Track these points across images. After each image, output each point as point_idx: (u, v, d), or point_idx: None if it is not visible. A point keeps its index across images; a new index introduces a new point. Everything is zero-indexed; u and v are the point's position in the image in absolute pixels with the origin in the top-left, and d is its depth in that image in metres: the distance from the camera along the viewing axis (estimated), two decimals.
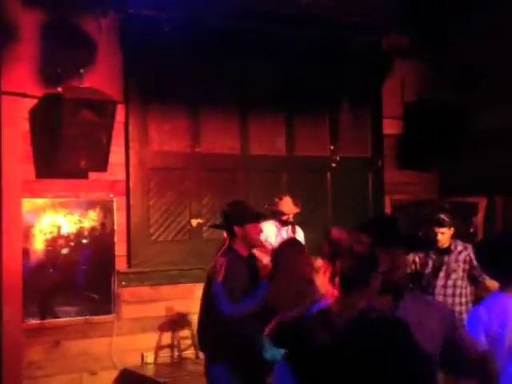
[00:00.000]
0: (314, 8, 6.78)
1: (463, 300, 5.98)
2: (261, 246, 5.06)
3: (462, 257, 6.02)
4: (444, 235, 6.04)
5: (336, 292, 2.40)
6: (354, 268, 2.39)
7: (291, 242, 5.26)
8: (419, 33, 7.72)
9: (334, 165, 7.64)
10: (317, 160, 7.57)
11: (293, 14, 6.86)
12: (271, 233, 6.55)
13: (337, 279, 2.41)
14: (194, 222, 6.90)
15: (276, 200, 6.55)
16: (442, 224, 6.01)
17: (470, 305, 5.92)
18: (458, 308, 5.83)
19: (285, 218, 6.45)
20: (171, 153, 6.80)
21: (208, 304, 4.60)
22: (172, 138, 6.77)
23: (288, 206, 6.48)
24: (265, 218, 6.21)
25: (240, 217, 4.62)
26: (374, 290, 2.43)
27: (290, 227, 6.52)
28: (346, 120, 7.73)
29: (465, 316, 5.29)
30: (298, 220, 6.65)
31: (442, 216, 6.08)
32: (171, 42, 6.43)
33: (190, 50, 6.63)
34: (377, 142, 7.93)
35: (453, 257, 6.04)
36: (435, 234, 5.99)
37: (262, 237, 6.50)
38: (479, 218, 7.88)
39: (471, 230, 7.78)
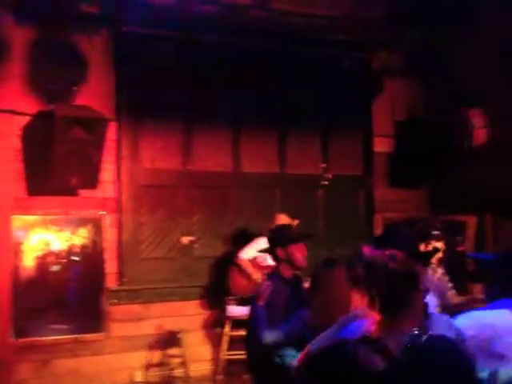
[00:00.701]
0: (307, 26, 6.83)
1: None
2: (304, 266, 4.87)
3: None
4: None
5: (377, 316, 2.26)
6: (393, 289, 2.26)
7: (330, 262, 5.09)
8: (410, 51, 7.78)
9: (325, 182, 7.67)
10: (308, 178, 7.58)
11: (287, 33, 6.90)
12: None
13: (376, 303, 2.28)
14: (185, 240, 6.89)
15: (274, 217, 6.57)
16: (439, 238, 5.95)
17: None
18: None
19: None
20: (163, 170, 6.80)
21: (249, 328, 4.53)
22: (164, 155, 6.78)
23: (280, 220, 6.49)
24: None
25: (282, 239, 4.57)
26: (418, 309, 2.30)
27: None
28: (337, 138, 7.75)
29: None
30: None
31: (437, 232, 6.05)
32: (164, 61, 6.46)
33: (183, 68, 6.67)
34: (368, 160, 7.95)
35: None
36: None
37: (254, 253, 6.55)
38: (469, 235, 7.90)
39: (459, 249, 7.80)
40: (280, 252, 4.49)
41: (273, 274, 4.55)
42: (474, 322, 3.15)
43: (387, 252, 2.35)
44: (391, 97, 7.92)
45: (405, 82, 7.96)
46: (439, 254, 5.79)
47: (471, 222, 7.89)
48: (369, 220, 7.92)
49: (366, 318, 2.33)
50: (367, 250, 2.41)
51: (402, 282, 2.27)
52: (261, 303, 4.34)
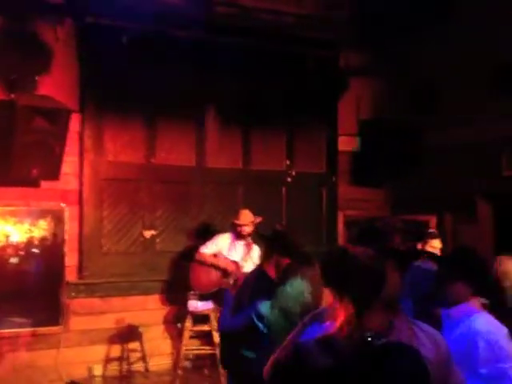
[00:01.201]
0: (274, 23, 6.84)
1: None
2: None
3: None
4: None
5: (342, 314, 2.22)
6: (364, 285, 2.22)
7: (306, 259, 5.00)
8: (375, 51, 7.86)
9: (289, 179, 7.70)
10: (272, 174, 7.61)
11: (253, 28, 6.91)
12: (225, 245, 6.56)
13: (343, 301, 2.23)
14: (148, 234, 6.85)
15: (236, 213, 6.58)
16: (436, 236, 5.81)
17: None
18: None
19: (238, 229, 6.47)
20: (126, 164, 6.75)
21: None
22: (127, 148, 6.73)
23: (242, 217, 6.51)
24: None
25: (284, 249, 4.43)
26: (382, 308, 2.25)
27: (246, 243, 6.52)
28: (301, 135, 7.79)
29: None
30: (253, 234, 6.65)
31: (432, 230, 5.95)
32: (129, 53, 6.40)
33: (148, 61, 6.62)
34: (332, 158, 8.01)
35: None
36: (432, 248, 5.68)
37: (216, 249, 6.55)
38: None
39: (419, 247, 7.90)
40: (276, 257, 4.37)
41: (257, 268, 4.50)
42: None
43: (358, 249, 2.32)
44: (356, 96, 7.99)
45: (370, 81, 8.04)
46: (437, 252, 5.76)
47: (431, 221, 8.00)
48: (331, 217, 7.97)
49: (329, 317, 2.30)
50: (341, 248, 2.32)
51: (368, 281, 2.23)
52: (232, 292, 4.35)
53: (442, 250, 5.79)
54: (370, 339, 2.16)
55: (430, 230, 5.90)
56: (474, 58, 7.13)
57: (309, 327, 2.47)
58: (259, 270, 4.35)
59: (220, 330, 4.36)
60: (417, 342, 2.33)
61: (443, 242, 7.64)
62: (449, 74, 7.49)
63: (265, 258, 4.43)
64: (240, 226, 6.46)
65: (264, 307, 3.95)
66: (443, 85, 7.59)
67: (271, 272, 4.27)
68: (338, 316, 2.23)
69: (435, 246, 5.73)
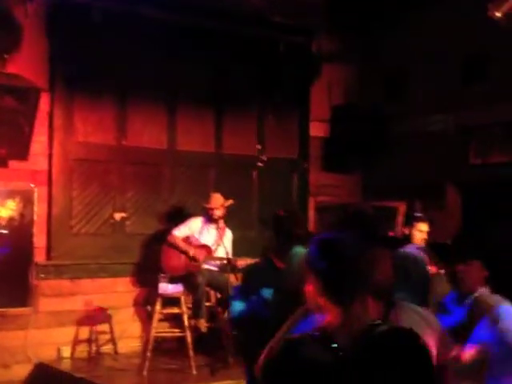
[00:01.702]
0: (246, 6, 6.83)
1: None
2: None
3: None
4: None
5: (330, 305, 2.11)
6: (346, 276, 2.09)
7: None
8: (347, 37, 7.89)
9: (260, 164, 7.71)
10: (244, 158, 7.61)
11: (224, 11, 6.88)
12: (197, 229, 6.56)
13: (328, 290, 2.11)
14: (118, 216, 6.81)
15: (208, 196, 6.56)
16: (423, 219, 5.64)
17: None
18: None
19: (210, 212, 6.46)
20: (96, 144, 6.70)
21: None
22: (98, 129, 6.67)
23: (214, 201, 6.50)
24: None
25: (291, 235, 4.29)
26: (374, 298, 2.16)
27: (219, 227, 6.52)
28: (273, 120, 7.80)
29: None
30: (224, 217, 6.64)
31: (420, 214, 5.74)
32: (100, 31, 6.35)
33: (120, 41, 6.57)
34: (303, 143, 8.03)
35: None
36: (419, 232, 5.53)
37: (188, 232, 6.53)
38: (399, 221, 8.09)
39: (390, 234, 7.97)
40: (282, 244, 4.15)
41: (265, 256, 4.38)
42: None
43: (340, 235, 2.19)
44: (329, 82, 8.01)
45: (342, 67, 8.06)
46: (424, 236, 5.72)
47: (401, 208, 8.07)
48: (302, 203, 8.00)
49: (318, 311, 2.20)
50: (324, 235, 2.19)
51: (356, 268, 2.11)
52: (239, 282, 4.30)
53: (428, 233, 5.76)
54: (366, 328, 2.06)
55: (417, 214, 5.81)
56: (446, 45, 7.20)
57: (300, 322, 2.39)
58: (266, 259, 4.29)
59: (232, 320, 4.29)
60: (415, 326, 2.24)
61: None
62: (421, 61, 7.55)
63: (270, 245, 4.34)
64: (211, 209, 6.46)
65: (268, 292, 3.92)
66: (415, 72, 7.65)
67: (278, 264, 4.14)
68: (326, 309, 2.14)
69: (422, 229, 5.67)
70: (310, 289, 2.15)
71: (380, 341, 2.04)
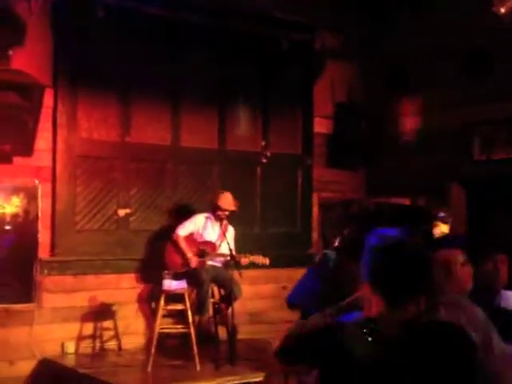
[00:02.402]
0: (249, 3, 6.83)
1: None
2: None
3: None
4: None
5: (379, 302, 2.07)
6: (401, 272, 2.04)
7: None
8: (351, 34, 7.89)
9: (264, 160, 7.70)
10: (248, 155, 7.61)
11: (228, 8, 6.89)
12: (203, 225, 6.57)
13: (378, 287, 2.08)
14: (122, 212, 6.81)
15: (217, 193, 6.55)
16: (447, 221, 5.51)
17: None
18: None
19: (220, 213, 6.47)
20: (100, 141, 6.69)
21: None
22: (102, 125, 6.67)
23: (226, 202, 6.50)
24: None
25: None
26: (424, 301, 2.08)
27: (222, 224, 6.53)
28: (278, 117, 7.80)
29: None
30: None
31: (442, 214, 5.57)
32: (104, 28, 6.36)
33: (124, 37, 6.59)
34: (307, 140, 8.03)
35: None
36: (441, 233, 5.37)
37: (194, 228, 6.55)
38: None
39: None
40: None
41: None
42: None
43: (397, 236, 2.13)
44: (332, 78, 8.01)
45: (345, 64, 8.06)
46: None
47: (405, 204, 8.07)
48: (306, 199, 8.00)
49: (367, 303, 2.16)
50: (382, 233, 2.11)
51: (412, 266, 2.06)
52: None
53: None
54: (411, 320, 2.02)
55: (441, 214, 5.61)
56: (448, 42, 7.19)
57: (345, 312, 2.35)
58: None
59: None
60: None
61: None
62: (422, 57, 7.55)
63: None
64: (223, 210, 6.46)
65: None
66: (416, 68, 7.65)
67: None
68: (372, 306, 2.11)
69: (444, 230, 5.56)
70: (364, 286, 2.12)
71: (422, 332, 2.01)
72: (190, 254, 6.45)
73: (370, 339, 2.00)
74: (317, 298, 3.70)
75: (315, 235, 8.05)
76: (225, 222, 6.57)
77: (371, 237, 2.15)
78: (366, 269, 2.14)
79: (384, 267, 2.08)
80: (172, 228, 6.62)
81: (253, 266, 6.49)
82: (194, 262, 6.44)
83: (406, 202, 8.01)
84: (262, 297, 7.49)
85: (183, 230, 6.53)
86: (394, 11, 7.54)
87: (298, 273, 7.60)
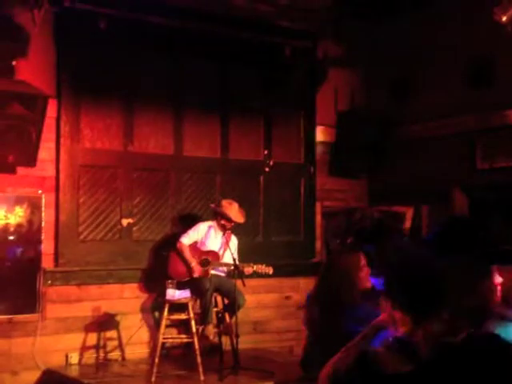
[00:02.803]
0: (251, 11, 6.85)
1: None
2: None
3: None
4: None
5: (404, 319, 2.01)
6: (426, 287, 1.99)
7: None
8: (353, 42, 7.90)
9: (267, 169, 7.70)
10: (250, 164, 7.61)
11: (230, 16, 6.91)
12: (206, 234, 6.56)
13: (401, 303, 2.03)
14: (125, 222, 6.81)
15: (223, 203, 6.54)
16: None
17: None
18: None
19: (227, 224, 6.46)
20: (103, 150, 6.71)
21: None
22: (104, 135, 6.68)
23: (235, 213, 6.50)
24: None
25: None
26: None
27: (224, 233, 6.53)
28: (280, 125, 7.81)
29: None
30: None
31: None
32: (107, 38, 6.38)
33: (126, 47, 6.61)
34: (310, 148, 8.03)
35: None
36: None
37: (197, 237, 6.54)
38: (406, 226, 8.08)
39: None
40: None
41: None
42: None
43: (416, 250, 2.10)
44: (334, 86, 8.02)
45: (347, 72, 8.07)
46: None
47: (408, 212, 8.06)
48: (309, 208, 8.00)
49: (392, 324, 2.09)
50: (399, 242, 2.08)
51: (437, 279, 2.00)
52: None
53: None
54: (447, 338, 1.95)
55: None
56: (449, 50, 7.21)
57: (373, 336, 2.30)
58: None
59: None
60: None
61: (419, 233, 7.76)
62: (424, 65, 7.56)
63: None
64: (231, 222, 6.46)
65: None
66: (419, 76, 7.66)
67: None
68: (402, 323, 2.04)
69: None
70: (385, 303, 2.08)
71: (462, 348, 1.93)
72: (193, 263, 6.45)
73: (408, 364, 1.94)
74: None
75: (318, 244, 8.04)
76: (228, 231, 6.57)
77: (390, 253, 2.12)
78: (388, 286, 2.10)
79: (406, 282, 2.04)
80: (175, 237, 6.62)
81: (256, 275, 6.47)
82: (197, 271, 6.43)
83: (409, 210, 8.00)
84: (265, 306, 7.49)
85: (187, 239, 6.53)
86: (396, 18, 7.55)
87: (302, 282, 7.74)
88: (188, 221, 6.87)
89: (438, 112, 7.45)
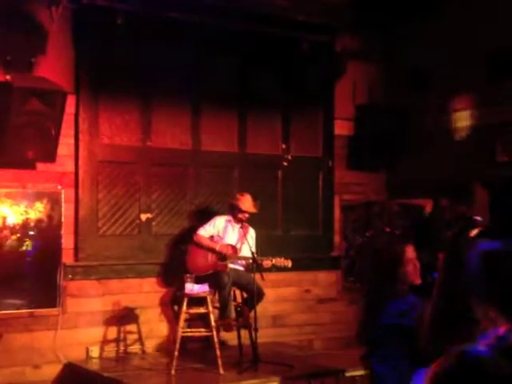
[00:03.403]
0: (270, 5, 6.84)
1: None
2: None
3: None
4: None
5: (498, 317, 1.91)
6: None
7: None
8: (371, 35, 7.86)
9: (285, 163, 7.70)
10: (268, 158, 7.61)
11: (249, 11, 6.91)
12: (223, 228, 6.58)
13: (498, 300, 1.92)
14: (144, 217, 6.85)
15: (237, 196, 6.57)
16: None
17: None
18: None
19: (240, 215, 6.48)
20: (122, 146, 6.74)
21: None
22: (123, 130, 6.72)
23: (247, 204, 6.51)
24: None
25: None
26: None
27: (242, 226, 6.54)
28: (298, 119, 7.80)
29: None
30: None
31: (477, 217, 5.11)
32: (124, 34, 6.41)
33: (144, 43, 6.63)
34: (328, 142, 8.01)
35: None
36: None
37: (214, 231, 6.56)
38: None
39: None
40: None
41: None
42: None
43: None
44: (352, 80, 7.99)
45: (366, 65, 8.03)
46: None
47: (427, 205, 8.02)
48: (328, 202, 7.98)
49: (489, 324, 1.99)
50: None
51: None
52: None
53: None
54: None
55: (477, 218, 5.23)
56: (470, 41, 7.13)
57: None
58: None
59: None
60: None
61: (440, 226, 7.70)
62: (445, 58, 7.49)
63: None
64: (243, 212, 6.47)
65: None
66: (438, 68, 7.60)
67: None
68: (495, 323, 1.94)
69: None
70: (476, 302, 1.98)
71: None
72: (218, 246, 6.46)
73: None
74: None
75: (337, 238, 8.03)
76: (245, 223, 6.57)
77: (476, 248, 2.04)
78: (480, 284, 1.99)
79: (498, 280, 1.93)
80: (193, 231, 6.64)
81: (275, 268, 6.48)
82: (229, 250, 6.43)
83: (429, 203, 7.96)
84: (284, 300, 7.49)
85: (203, 231, 6.56)
86: (416, 9, 7.48)
87: (321, 276, 7.74)
88: (206, 215, 6.89)
89: (458, 104, 7.39)
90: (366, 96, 8.07)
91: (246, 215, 6.51)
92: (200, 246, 6.49)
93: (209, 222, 6.59)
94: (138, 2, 6.40)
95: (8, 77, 5.81)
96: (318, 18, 7.46)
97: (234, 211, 6.55)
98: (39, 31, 6.07)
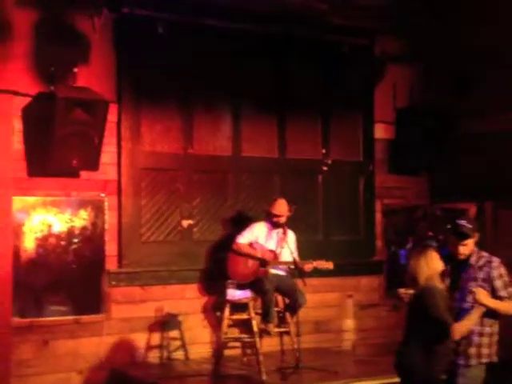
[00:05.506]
0: (307, 10, 6.83)
1: (486, 330, 4.51)
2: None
3: (481, 275, 4.54)
4: (466, 246, 4.57)
5: None
6: None
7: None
8: (411, 38, 7.79)
9: (325, 168, 7.66)
10: (308, 163, 7.58)
11: (288, 16, 6.91)
12: (261, 234, 6.56)
13: None
14: (185, 223, 6.89)
15: (272, 201, 6.57)
16: (464, 235, 4.54)
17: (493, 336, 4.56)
18: (476, 339, 4.48)
19: (275, 219, 6.46)
20: (163, 153, 6.80)
21: None
22: (164, 138, 6.78)
23: (280, 207, 6.49)
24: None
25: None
26: None
27: (280, 230, 6.53)
28: (338, 123, 7.76)
29: (486, 351, 4.50)
30: (289, 223, 6.62)
31: (463, 223, 4.58)
32: (165, 42, 6.48)
33: (184, 51, 6.68)
34: (368, 146, 7.95)
35: (471, 273, 4.57)
36: (455, 246, 4.59)
37: (252, 238, 6.55)
38: None
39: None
40: None
41: None
42: None
43: None
44: (393, 83, 7.92)
45: (406, 68, 7.96)
46: None
47: (471, 209, 7.90)
48: (369, 206, 7.93)
49: None
50: None
51: None
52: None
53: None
54: None
55: (459, 224, 4.80)
56: (510, 44, 7.03)
57: None
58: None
59: None
60: None
61: (483, 230, 7.57)
62: (485, 59, 7.38)
63: None
64: (277, 216, 6.46)
65: None
66: (479, 71, 7.49)
67: None
68: None
69: (464, 244, 5.02)
70: None
71: None
72: (259, 253, 6.45)
73: None
74: None
75: (379, 242, 7.96)
76: (285, 228, 6.54)
77: None
78: None
79: None
80: (233, 237, 6.64)
81: (317, 272, 6.44)
82: (270, 255, 6.43)
83: (472, 206, 7.84)
84: (326, 305, 7.46)
85: (242, 239, 6.55)
86: (456, 13, 7.39)
87: (363, 281, 7.68)
88: (246, 221, 6.89)
89: (500, 106, 7.27)
90: (406, 99, 7.99)
91: (281, 219, 6.48)
92: (240, 254, 6.49)
93: (247, 229, 6.58)
94: (177, 11, 6.45)
95: (52, 88, 5.90)
96: (358, 21, 7.43)
97: (270, 216, 6.54)
98: (81, 41, 6.16)
